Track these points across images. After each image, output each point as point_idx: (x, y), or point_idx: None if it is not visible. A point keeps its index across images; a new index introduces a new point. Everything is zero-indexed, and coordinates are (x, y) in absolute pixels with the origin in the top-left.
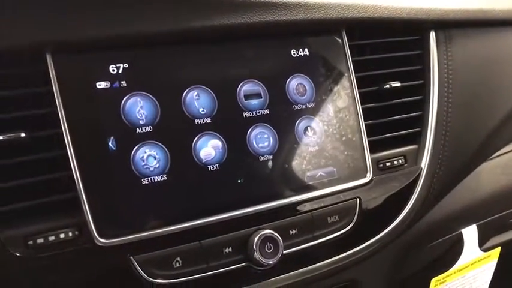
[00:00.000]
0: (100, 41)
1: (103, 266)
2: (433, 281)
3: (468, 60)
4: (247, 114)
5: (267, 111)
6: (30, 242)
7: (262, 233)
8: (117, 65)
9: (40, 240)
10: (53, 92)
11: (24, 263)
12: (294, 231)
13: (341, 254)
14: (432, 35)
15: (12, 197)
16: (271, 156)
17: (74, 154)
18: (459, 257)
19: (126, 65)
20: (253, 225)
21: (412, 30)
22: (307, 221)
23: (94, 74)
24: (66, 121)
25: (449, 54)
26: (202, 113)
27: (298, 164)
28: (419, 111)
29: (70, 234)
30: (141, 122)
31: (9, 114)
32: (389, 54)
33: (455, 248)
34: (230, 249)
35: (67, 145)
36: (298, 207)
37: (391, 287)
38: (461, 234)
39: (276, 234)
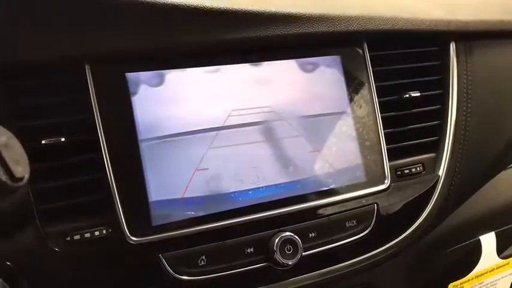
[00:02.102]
0: (134, 52)
1: (133, 262)
2: (450, 286)
3: (487, 70)
4: None
5: None
6: (68, 238)
7: (283, 235)
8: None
9: (77, 237)
10: (91, 100)
11: (61, 258)
12: (313, 234)
13: (358, 257)
14: (452, 46)
15: (52, 196)
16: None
17: (109, 158)
18: (477, 264)
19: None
20: (274, 228)
21: (432, 41)
22: (325, 225)
23: (129, 83)
24: (102, 127)
25: (469, 65)
26: None
27: (318, 169)
28: (438, 120)
29: (104, 232)
30: None
31: (51, 120)
32: (409, 64)
33: (473, 255)
34: (252, 249)
35: (102, 149)
36: (317, 212)
37: None
38: (479, 241)
39: (296, 236)
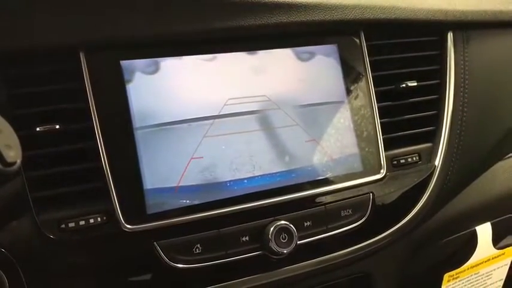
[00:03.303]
0: (129, 40)
1: (128, 250)
2: (446, 276)
3: (485, 61)
4: None
5: None
6: (63, 226)
7: (278, 223)
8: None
9: (72, 225)
10: (86, 87)
11: (56, 245)
12: (308, 223)
13: (353, 246)
14: (450, 36)
15: (47, 184)
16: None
17: (104, 146)
18: (472, 254)
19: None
20: (270, 216)
21: (429, 31)
22: (321, 214)
23: (124, 71)
24: (97, 115)
25: (466, 55)
26: None
27: (314, 159)
28: (435, 110)
29: (99, 219)
30: None
31: (45, 108)
32: (406, 54)
33: (469, 245)
34: (247, 237)
35: (97, 137)
36: (313, 201)
37: (404, 281)
38: (475, 231)
39: (291, 225)
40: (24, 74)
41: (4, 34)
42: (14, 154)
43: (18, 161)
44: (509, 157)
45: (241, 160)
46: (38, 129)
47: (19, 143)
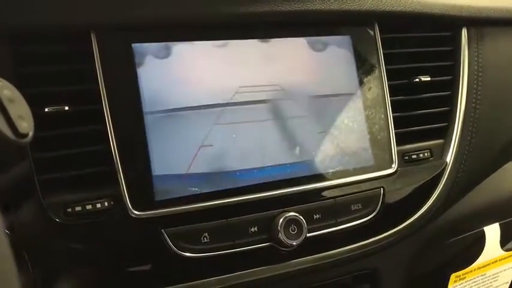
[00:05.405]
0: (142, 22)
1: (135, 236)
2: (453, 276)
3: (499, 58)
4: None
5: None
6: (69, 210)
7: (287, 215)
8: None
9: (78, 208)
10: (96, 69)
11: (62, 229)
12: (317, 216)
13: (362, 241)
14: (464, 32)
15: (54, 166)
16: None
17: (113, 129)
18: (480, 255)
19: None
20: (279, 208)
21: (444, 27)
22: (331, 207)
23: (135, 54)
24: (107, 97)
25: (480, 51)
26: None
27: (325, 151)
28: (448, 107)
29: (106, 204)
30: None
31: (55, 88)
32: (420, 49)
33: (477, 245)
34: (256, 228)
35: (106, 120)
36: (323, 193)
37: (411, 279)
38: (483, 231)
39: (301, 217)
40: (35, 53)
41: (16, 11)
42: (27, 125)
43: (31, 133)
44: None
45: (251, 150)
46: (46, 109)
47: (31, 114)
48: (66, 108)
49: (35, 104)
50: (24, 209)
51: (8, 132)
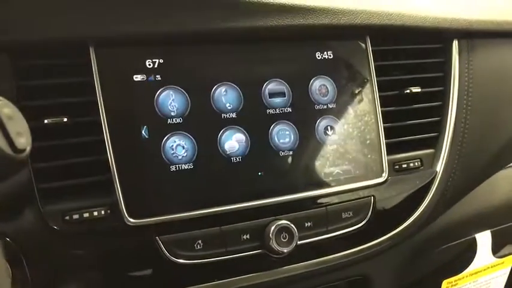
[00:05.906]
0: (138, 37)
1: (130, 243)
2: (445, 283)
3: (489, 69)
4: (270, 111)
5: (289, 109)
6: (67, 217)
7: (279, 223)
8: (153, 60)
9: (76, 216)
10: (94, 82)
11: (60, 236)
12: (309, 224)
13: (353, 248)
14: (455, 44)
15: (53, 176)
16: (291, 152)
17: (110, 140)
18: (471, 262)
19: (161, 60)
20: (271, 216)
21: (435, 39)
22: (322, 215)
23: (132, 68)
24: (105, 109)
25: (471, 63)
26: (229, 108)
27: (316, 160)
28: (438, 117)
29: (103, 212)
30: (172, 113)
31: (54, 100)
32: (411, 60)
33: (468, 252)
34: (248, 236)
35: (104, 131)
36: (314, 202)
37: (403, 286)
38: (474, 239)
39: (292, 225)
40: (34, 67)
41: (16, 27)
42: (25, 141)
43: (28, 148)
44: (510, 166)
45: None
46: (46, 121)
47: (29, 130)
48: (65, 119)
49: (34, 115)
50: (23, 216)
51: (6, 148)
